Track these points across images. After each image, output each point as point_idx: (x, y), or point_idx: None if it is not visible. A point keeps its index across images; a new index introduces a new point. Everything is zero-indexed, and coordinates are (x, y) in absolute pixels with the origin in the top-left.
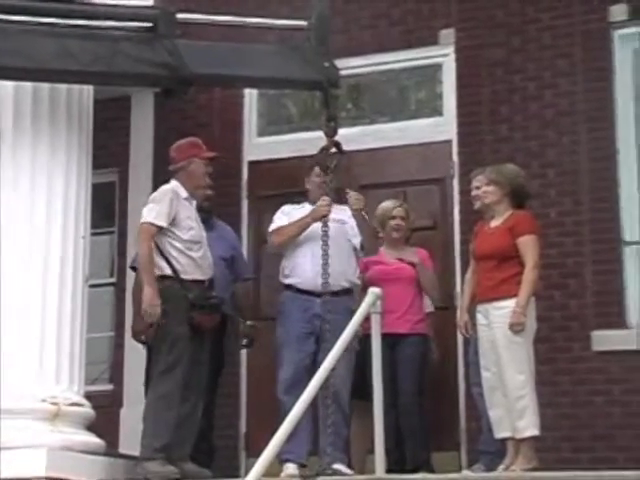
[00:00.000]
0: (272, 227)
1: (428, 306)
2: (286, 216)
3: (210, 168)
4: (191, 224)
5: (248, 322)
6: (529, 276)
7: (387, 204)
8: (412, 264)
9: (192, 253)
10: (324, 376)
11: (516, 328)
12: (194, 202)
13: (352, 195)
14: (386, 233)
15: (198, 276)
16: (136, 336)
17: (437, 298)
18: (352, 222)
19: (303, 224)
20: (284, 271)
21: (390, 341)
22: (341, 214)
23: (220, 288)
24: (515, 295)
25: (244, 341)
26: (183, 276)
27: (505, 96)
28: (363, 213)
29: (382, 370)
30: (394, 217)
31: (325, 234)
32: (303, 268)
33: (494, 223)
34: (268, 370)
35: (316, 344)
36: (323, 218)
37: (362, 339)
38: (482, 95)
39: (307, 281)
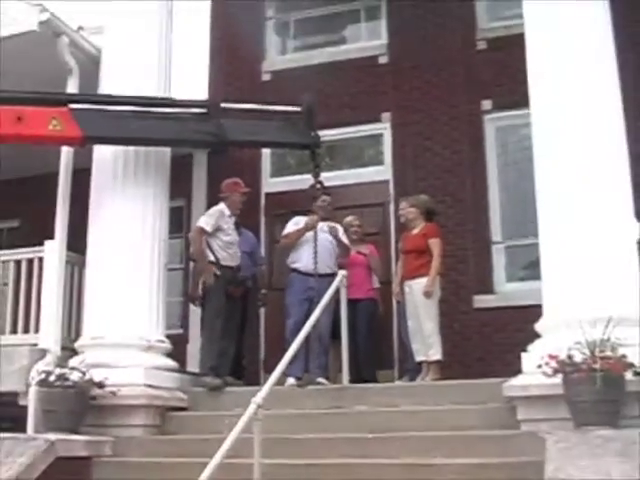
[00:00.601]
0: (284, 232)
1: (375, 282)
2: (295, 225)
3: (245, 197)
4: (229, 232)
5: (262, 291)
6: (435, 262)
7: (349, 218)
8: (365, 254)
9: (228, 249)
10: (313, 323)
11: (428, 295)
12: (233, 218)
13: (330, 224)
14: (349, 236)
15: (230, 263)
16: (193, 300)
17: (381, 275)
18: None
19: (301, 232)
20: (291, 259)
21: (352, 304)
22: (326, 227)
23: (245, 270)
24: (427, 274)
25: (260, 303)
26: (222, 263)
27: (421, 153)
28: (339, 234)
29: (347, 320)
30: (353, 225)
31: (315, 239)
32: (303, 258)
33: (414, 231)
34: (278, 321)
35: (309, 305)
36: (313, 228)
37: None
38: (407, 152)
39: (306, 266)
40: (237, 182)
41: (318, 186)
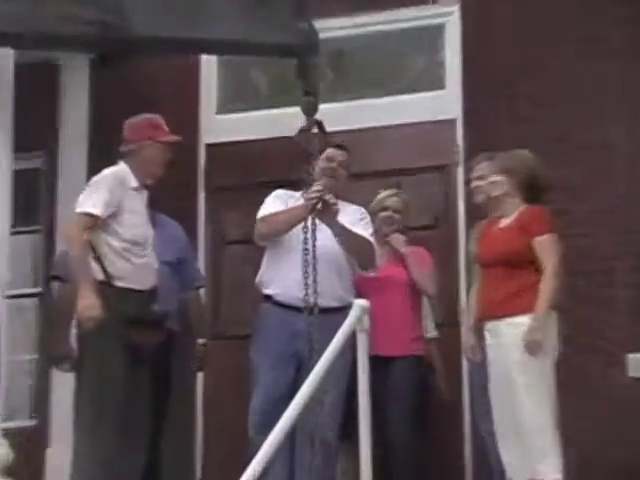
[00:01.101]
0: (262, 212)
1: (428, 323)
2: (281, 201)
3: (169, 154)
4: (136, 220)
5: (200, 340)
6: (548, 284)
7: (381, 194)
8: (404, 266)
9: (133, 257)
10: (301, 406)
11: (533, 349)
12: (144, 194)
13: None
14: (375, 228)
15: (137, 284)
16: (57, 363)
17: (433, 294)
18: (355, 225)
19: (293, 216)
20: (263, 277)
21: (381, 366)
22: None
23: (164, 299)
24: (530, 309)
25: (195, 365)
26: (118, 283)
27: (521, 68)
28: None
29: (372, 399)
30: (386, 208)
31: (308, 237)
32: (287, 276)
33: (503, 221)
34: (231, 401)
35: (297, 370)
36: (316, 210)
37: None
38: (494, 63)
39: (290, 292)
40: (155, 122)
41: (314, 130)
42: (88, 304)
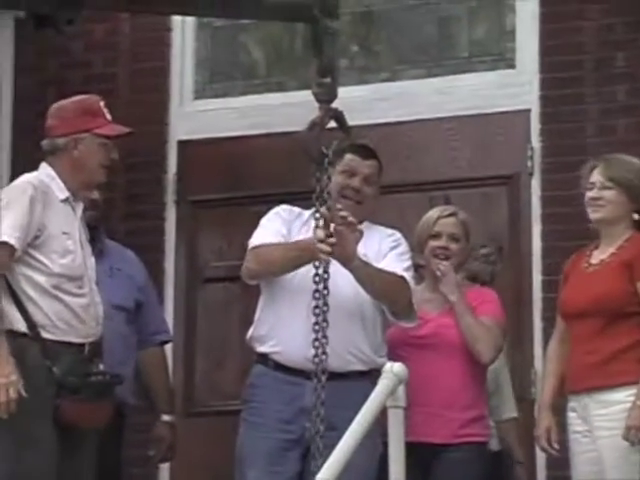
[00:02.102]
0: (255, 240)
1: (508, 409)
2: (282, 222)
3: (115, 153)
4: (68, 246)
5: (164, 417)
6: None
7: (429, 213)
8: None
9: (66, 296)
10: None
11: (637, 436)
12: (79, 208)
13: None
14: (425, 262)
15: (73, 336)
16: None
17: (489, 360)
18: (384, 256)
19: (296, 257)
20: (257, 329)
21: (422, 456)
22: (359, 244)
23: (114, 358)
24: (635, 380)
25: (156, 457)
26: (46, 335)
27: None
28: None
29: None
30: (438, 235)
31: (321, 281)
32: (290, 330)
33: (598, 255)
34: None
35: (302, 460)
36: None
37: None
38: (585, 34)
39: (295, 351)
40: (92, 107)
41: (331, 123)
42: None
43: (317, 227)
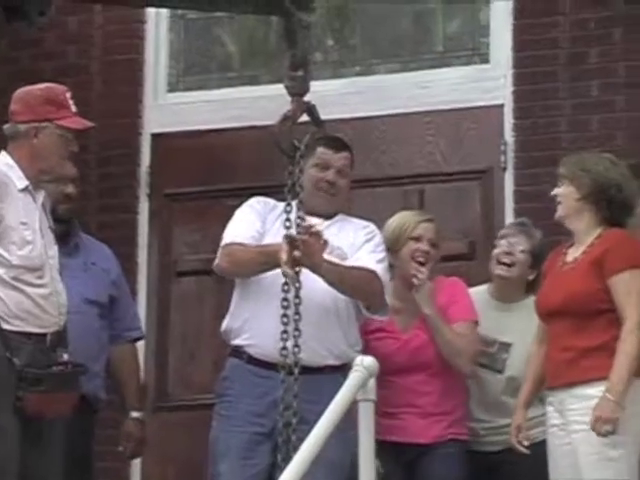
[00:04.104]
0: (228, 235)
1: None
2: (256, 216)
3: (75, 145)
4: (28, 236)
5: (133, 414)
6: (629, 341)
7: (404, 215)
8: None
9: (27, 287)
10: None
11: (604, 428)
12: (40, 197)
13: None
14: (399, 263)
15: (34, 327)
16: None
17: (469, 369)
18: (357, 248)
19: (264, 262)
20: (231, 323)
21: (409, 455)
22: (332, 237)
23: (86, 352)
24: (603, 376)
25: (127, 450)
26: (6, 326)
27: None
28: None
29: None
30: (418, 238)
31: (294, 280)
32: (264, 323)
33: (574, 252)
34: None
35: (274, 453)
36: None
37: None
38: (558, 29)
39: (269, 345)
40: (56, 96)
41: (304, 116)
42: None
43: (282, 249)
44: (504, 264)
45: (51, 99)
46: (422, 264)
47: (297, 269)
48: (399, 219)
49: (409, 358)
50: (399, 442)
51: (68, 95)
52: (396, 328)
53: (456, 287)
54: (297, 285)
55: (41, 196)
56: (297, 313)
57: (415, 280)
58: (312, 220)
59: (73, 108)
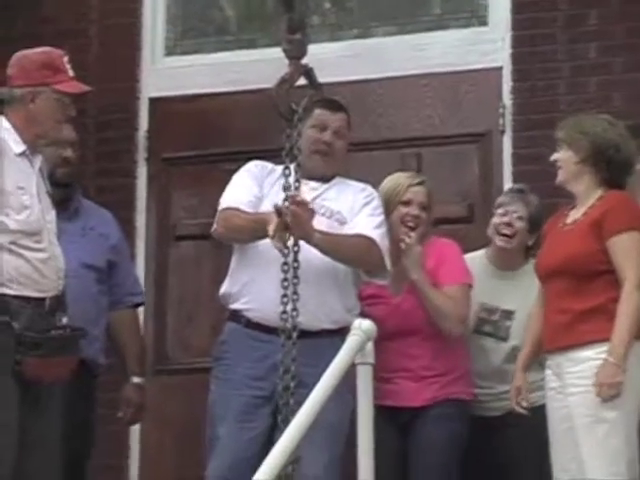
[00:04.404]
0: (226, 199)
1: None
2: (253, 180)
3: (73, 110)
4: (25, 201)
5: (134, 379)
6: (629, 303)
7: (396, 178)
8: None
9: (25, 251)
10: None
11: (608, 393)
12: (37, 161)
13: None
14: (390, 232)
15: (32, 291)
16: None
17: (458, 331)
18: (356, 213)
19: (258, 229)
20: (230, 287)
21: (403, 419)
22: (331, 201)
23: (80, 315)
24: (607, 338)
25: (127, 414)
26: (4, 290)
27: None
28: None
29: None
30: (408, 202)
31: (292, 246)
32: (263, 287)
33: (575, 214)
34: (181, 465)
35: (273, 416)
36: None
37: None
38: None
39: (267, 309)
40: (54, 60)
41: (301, 80)
42: None
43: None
44: (505, 235)
45: (47, 63)
46: (412, 229)
47: (287, 236)
48: (390, 183)
49: (399, 322)
50: (394, 406)
51: (65, 59)
52: (388, 292)
53: (447, 249)
54: (286, 252)
55: (38, 160)
56: (296, 277)
57: (402, 245)
58: (302, 188)
59: (70, 72)
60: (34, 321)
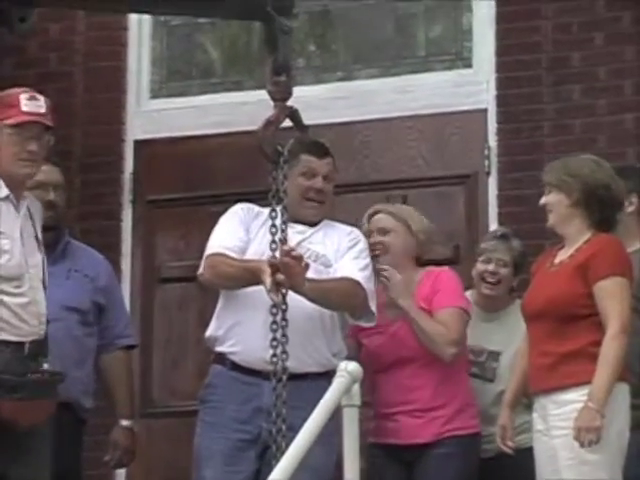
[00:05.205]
0: (213, 244)
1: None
2: (240, 223)
3: (33, 145)
4: (4, 245)
5: (123, 422)
6: (612, 347)
7: (379, 212)
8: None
9: (4, 297)
10: None
11: (586, 437)
12: (23, 206)
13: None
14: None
15: (11, 336)
16: None
17: (449, 355)
18: (341, 255)
19: (244, 279)
20: (216, 330)
21: (408, 457)
22: (317, 244)
23: (66, 359)
24: (589, 381)
25: (113, 458)
26: None
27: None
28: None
29: None
30: (370, 234)
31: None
32: (248, 331)
33: (562, 255)
34: None
35: (259, 460)
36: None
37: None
38: (541, 33)
39: (253, 352)
40: (8, 100)
41: (287, 121)
42: None
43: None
44: (490, 282)
45: (3, 102)
46: (376, 256)
47: (283, 291)
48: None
49: (395, 350)
50: (397, 444)
51: (24, 95)
52: (384, 322)
53: (443, 275)
54: (284, 307)
55: (25, 205)
56: (284, 319)
57: (383, 280)
58: (288, 231)
59: (26, 107)
60: (11, 365)
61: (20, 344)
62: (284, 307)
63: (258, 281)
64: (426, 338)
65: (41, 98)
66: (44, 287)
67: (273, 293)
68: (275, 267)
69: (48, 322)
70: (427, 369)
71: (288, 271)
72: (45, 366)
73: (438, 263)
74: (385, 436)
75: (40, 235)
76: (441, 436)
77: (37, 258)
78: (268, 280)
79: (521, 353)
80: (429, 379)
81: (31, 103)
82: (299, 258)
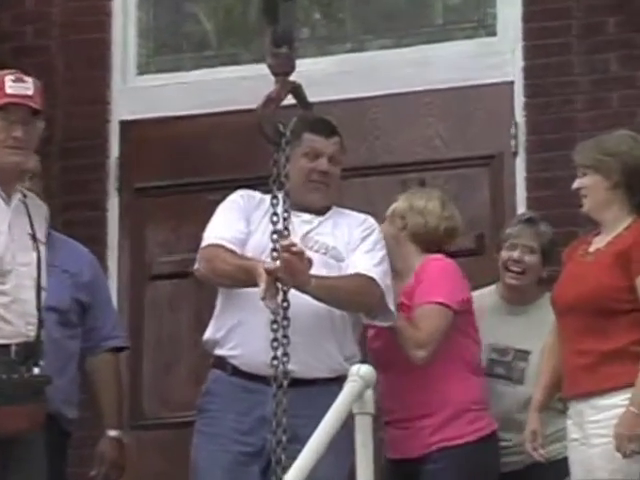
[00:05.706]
0: (209, 235)
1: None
2: (239, 213)
3: (18, 131)
4: None
5: (110, 433)
6: None
7: (402, 203)
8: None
9: None
10: None
11: (627, 447)
12: (14, 200)
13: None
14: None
15: None
16: None
17: (419, 358)
18: (353, 249)
19: (241, 280)
20: (215, 333)
21: (406, 472)
22: (326, 235)
23: (51, 364)
24: (629, 383)
25: (99, 469)
26: None
27: None
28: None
29: None
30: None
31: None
32: (251, 332)
33: (598, 242)
34: None
35: (264, 475)
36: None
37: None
38: None
39: (255, 355)
40: None
41: (288, 98)
42: None
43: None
44: (514, 272)
45: None
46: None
47: (280, 297)
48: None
49: (380, 354)
50: (393, 459)
51: (9, 77)
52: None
53: (426, 265)
54: (285, 305)
55: (16, 199)
56: (286, 318)
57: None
58: (293, 221)
59: (10, 90)
60: None
61: (5, 346)
62: (285, 305)
63: (254, 282)
64: (399, 339)
65: (29, 80)
66: (39, 288)
67: (268, 300)
68: (271, 272)
69: (41, 324)
70: (407, 375)
71: (290, 269)
72: (36, 371)
73: (459, 254)
74: (385, 449)
75: (39, 235)
76: (429, 449)
77: (30, 256)
78: (262, 286)
79: (549, 348)
80: (409, 384)
81: (16, 85)
82: (300, 254)
